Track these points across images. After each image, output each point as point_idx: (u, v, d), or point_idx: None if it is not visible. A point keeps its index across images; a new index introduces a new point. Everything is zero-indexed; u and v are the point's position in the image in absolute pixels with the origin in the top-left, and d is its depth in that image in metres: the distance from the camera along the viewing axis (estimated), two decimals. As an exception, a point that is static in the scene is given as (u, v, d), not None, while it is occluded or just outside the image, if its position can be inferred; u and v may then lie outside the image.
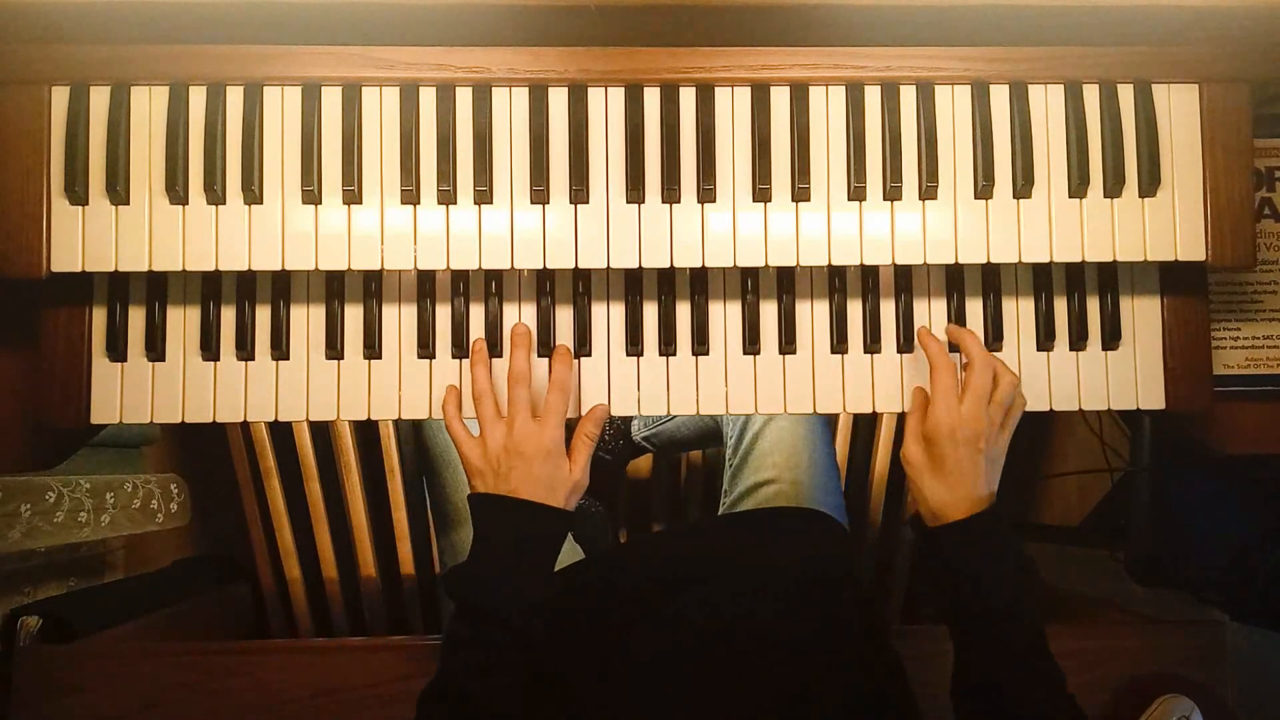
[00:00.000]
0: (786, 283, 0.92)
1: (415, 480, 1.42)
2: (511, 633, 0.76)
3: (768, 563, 0.93)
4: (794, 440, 1.06)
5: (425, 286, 0.91)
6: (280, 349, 0.89)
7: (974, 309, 0.92)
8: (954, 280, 0.92)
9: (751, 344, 0.91)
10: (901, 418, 0.90)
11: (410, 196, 0.85)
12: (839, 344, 0.91)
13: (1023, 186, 0.87)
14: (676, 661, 0.83)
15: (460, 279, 0.90)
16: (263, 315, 0.89)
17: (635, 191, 0.86)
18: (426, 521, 1.42)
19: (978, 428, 0.80)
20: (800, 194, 0.87)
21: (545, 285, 0.91)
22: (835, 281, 0.92)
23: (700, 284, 0.91)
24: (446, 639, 0.79)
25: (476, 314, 0.91)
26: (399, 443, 1.42)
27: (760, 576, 0.91)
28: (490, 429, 0.83)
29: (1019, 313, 0.92)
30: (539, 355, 0.90)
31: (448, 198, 0.86)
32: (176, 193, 0.84)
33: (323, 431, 1.44)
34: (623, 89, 0.87)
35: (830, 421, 1.16)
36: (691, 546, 1.01)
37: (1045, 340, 0.91)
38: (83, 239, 0.84)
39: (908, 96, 0.88)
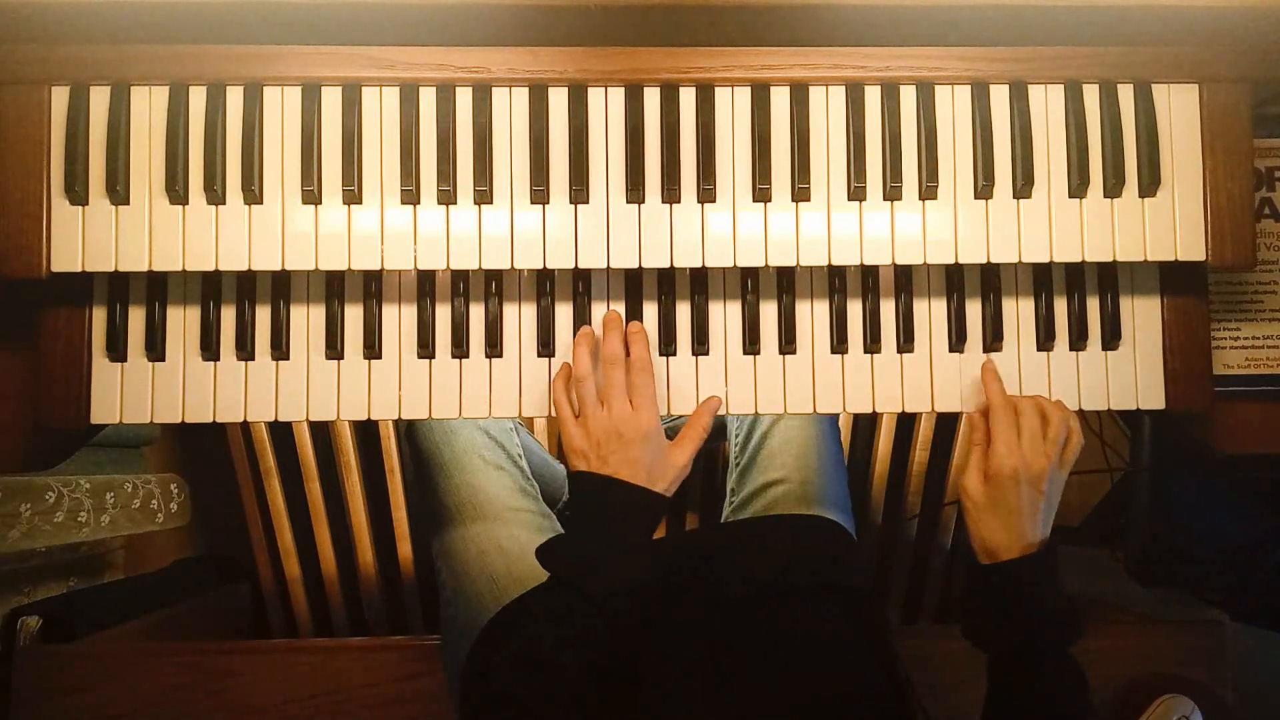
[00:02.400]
0: (786, 283, 0.92)
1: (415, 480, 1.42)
2: (601, 611, 0.77)
3: (773, 570, 0.94)
4: (803, 440, 1.06)
5: (425, 286, 0.90)
6: (280, 349, 0.89)
7: (974, 309, 0.92)
8: (954, 280, 0.92)
9: (751, 344, 0.91)
10: (903, 417, 0.90)
11: (410, 196, 0.85)
12: (839, 344, 0.91)
13: (1023, 186, 0.87)
14: (680, 665, 0.83)
15: (460, 279, 0.90)
16: (263, 315, 0.89)
17: (635, 191, 0.86)
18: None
19: (1040, 469, 0.81)
20: (800, 194, 0.87)
21: (545, 285, 0.91)
22: (835, 281, 0.92)
23: (700, 284, 0.91)
24: (536, 609, 0.79)
25: (476, 314, 0.91)
26: (399, 443, 1.42)
27: (765, 583, 0.91)
28: (592, 412, 0.84)
29: (1019, 313, 0.92)
30: (539, 355, 0.90)
31: (448, 198, 0.86)
32: (176, 193, 0.84)
33: (323, 431, 1.44)
34: (623, 89, 0.87)
35: (836, 421, 1.15)
36: (697, 552, 1.01)
37: (1045, 340, 0.91)
38: (83, 239, 0.84)
39: (908, 96, 0.88)
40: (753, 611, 0.89)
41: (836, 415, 1.12)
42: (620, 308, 0.91)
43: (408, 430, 1.12)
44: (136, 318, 0.88)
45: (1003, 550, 0.81)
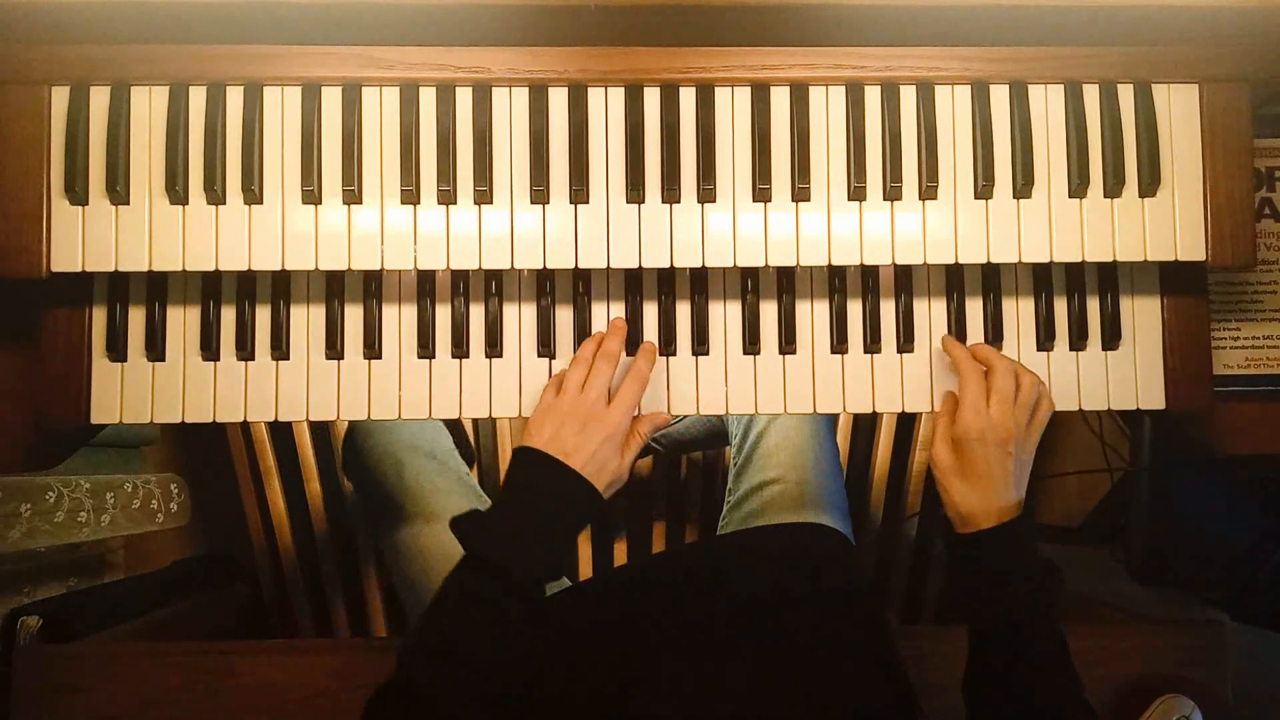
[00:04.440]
0: (786, 283, 0.92)
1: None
2: (521, 597, 0.73)
3: (771, 579, 0.93)
4: (799, 440, 1.06)
5: (425, 286, 0.91)
6: (280, 349, 0.89)
7: (974, 309, 0.92)
8: (954, 280, 0.92)
9: (751, 344, 0.91)
10: (903, 417, 0.90)
11: (410, 196, 0.85)
12: (839, 344, 0.91)
13: (1023, 186, 0.87)
14: (678, 674, 0.83)
15: (460, 279, 0.90)
16: (263, 315, 0.89)
17: (635, 191, 0.86)
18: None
19: (1007, 430, 0.80)
20: (800, 194, 0.87)
21: (545, 285, 0.91)
22: (835, 281, 0.92)
23: (700, 284, 0.91)
24: (447, 596, 0.74)
25: (476, 314, 0.91)
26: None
27: (763, 593, 0.91)
28: (571, 390, 0.83)
29: (1019, 313, 0.92)
30: (539, 356, 0.90)
31: (448, 198, 0.86)
32: (176, 193, 0.84)
33: (322, 431, 1.44)
34: (623, 89, 0.87)
35: (832, 421, 1.16)
36: (694, 564, 1.01)
37: (1045, 340, 0.91)
38: (83, 239, 0.84)
39: (908, 96, 0.88)
40: (752, 619, 0.88)
41: (833, 416, 1.12)
42: (620, 308, 0.91)
43: (349, 430, 1.11)
44: (136, 318, 0.88)
45: (978, 515, 0.80)
